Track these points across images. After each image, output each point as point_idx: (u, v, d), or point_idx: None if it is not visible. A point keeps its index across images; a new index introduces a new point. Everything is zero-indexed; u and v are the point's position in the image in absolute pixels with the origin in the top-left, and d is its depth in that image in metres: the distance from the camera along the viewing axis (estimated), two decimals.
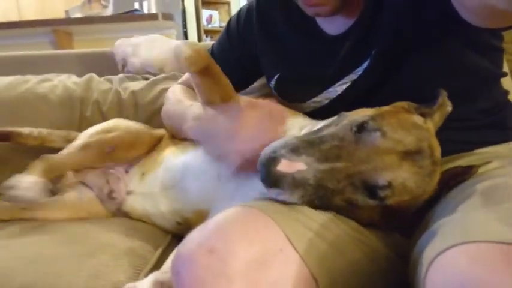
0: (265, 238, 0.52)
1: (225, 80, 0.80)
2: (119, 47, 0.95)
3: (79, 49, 2.06)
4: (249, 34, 0.94)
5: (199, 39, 4.66)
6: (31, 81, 1.27)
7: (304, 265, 0.51)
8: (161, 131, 1.04)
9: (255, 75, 1.03)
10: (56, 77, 1.32)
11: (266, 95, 1.02)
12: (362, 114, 0.62)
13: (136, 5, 2.96)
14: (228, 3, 5.32)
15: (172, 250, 0.77)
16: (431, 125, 0.65)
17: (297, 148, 0.56)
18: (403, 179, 0.57)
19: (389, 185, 0.56)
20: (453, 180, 0.63)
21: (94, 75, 1.33)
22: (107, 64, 1.37)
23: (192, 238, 0.53)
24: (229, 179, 0.78)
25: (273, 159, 0.55)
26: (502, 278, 0.37)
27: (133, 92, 1.25)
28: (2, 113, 1.16)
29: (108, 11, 2.69)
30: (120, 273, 0.72)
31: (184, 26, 4.23)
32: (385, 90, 0.76)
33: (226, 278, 0.48)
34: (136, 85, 1.28)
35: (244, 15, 0.96)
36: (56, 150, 1.00)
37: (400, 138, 0.58)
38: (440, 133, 0.65)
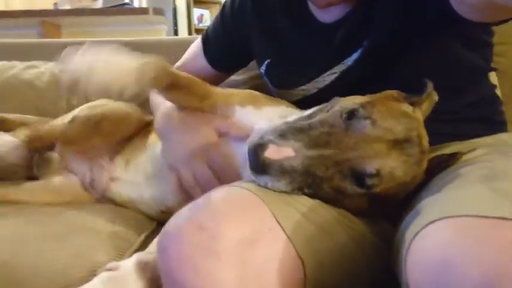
0: (254, 218, 0.52)
1: (196, 85, 0.78)
2: (70, 61, 0.67)
3: None
4: (242, 18, 0.94)
5: None
6: (17, 67, 1.25)
7: (291, 245, 0.51)
8: (150, 117, 1.03)
9: (248, 59, 1.03)
10: (43, 64, 1.30)
11: (255, 87, 1.02)
12: (353, 101, 0.62)
13: None
14: (220, 3, 5.31)
15: (156, 236, 0.76)
16: (419, 114, 0.65)
17: (285, 133, 0.56)
18: (391, 167, 0.57)
19: (377, 173, 0.56)
20: (438, 168, 0.63)
21: None
22: None
23: (181, 214, 0.53)
24: None
25: (260, 145, 0.55)
26: (482, 249, 0.37)
27: None
28: None
29: (98, 4, 2.66)
30: (102, 254, 0.71)
31: (175, 24, 4.21)
32: (374, 83, 0.75)
33: (215, 256, 0.47)
34: None
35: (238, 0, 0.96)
36: None
37: (389, 126, 0.58)
38: (428, 125, 0.65)
